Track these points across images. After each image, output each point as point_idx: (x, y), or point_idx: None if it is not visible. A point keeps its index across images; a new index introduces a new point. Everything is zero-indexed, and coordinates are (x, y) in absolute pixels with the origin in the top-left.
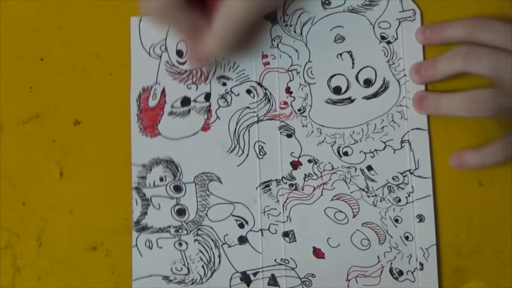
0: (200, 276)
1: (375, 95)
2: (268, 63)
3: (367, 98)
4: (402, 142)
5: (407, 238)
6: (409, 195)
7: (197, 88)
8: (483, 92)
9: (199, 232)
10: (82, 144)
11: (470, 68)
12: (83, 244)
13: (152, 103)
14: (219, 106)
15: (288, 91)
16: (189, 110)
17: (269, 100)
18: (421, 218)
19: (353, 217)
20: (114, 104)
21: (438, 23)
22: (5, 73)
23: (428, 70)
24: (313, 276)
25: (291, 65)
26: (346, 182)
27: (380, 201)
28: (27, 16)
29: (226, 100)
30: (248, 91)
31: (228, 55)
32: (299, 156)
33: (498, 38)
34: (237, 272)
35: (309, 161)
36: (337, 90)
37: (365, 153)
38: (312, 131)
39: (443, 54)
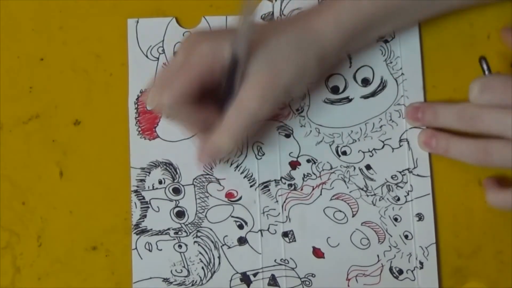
0: (200, 277)
1: (373, 94)
2: None
3: (365, 97)
4: (400, 140)
5: (406, 237)
6: (408, 194)
7: None
8: (495, 144)
9: (199, 234)
10: (82, 144)
11: (477, 130)
12: (83, 244)
13: None
14: None
15: None
16: None
17: None
18: (420, 216)
19: (353, 216)
20: (114, 104)
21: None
22: (5, 73)
23: (427, 117)
24: (313, 276)
25: None
26: (345, 181)
27: (379, 200)
28: (27, 16)
29: None
30: None
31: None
32: (298, 156)
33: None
34: (237, 273)
35: (308, 161)
36: (335, 89)
37: (363, 152)
38: (311, 131)
39: (445, 105)
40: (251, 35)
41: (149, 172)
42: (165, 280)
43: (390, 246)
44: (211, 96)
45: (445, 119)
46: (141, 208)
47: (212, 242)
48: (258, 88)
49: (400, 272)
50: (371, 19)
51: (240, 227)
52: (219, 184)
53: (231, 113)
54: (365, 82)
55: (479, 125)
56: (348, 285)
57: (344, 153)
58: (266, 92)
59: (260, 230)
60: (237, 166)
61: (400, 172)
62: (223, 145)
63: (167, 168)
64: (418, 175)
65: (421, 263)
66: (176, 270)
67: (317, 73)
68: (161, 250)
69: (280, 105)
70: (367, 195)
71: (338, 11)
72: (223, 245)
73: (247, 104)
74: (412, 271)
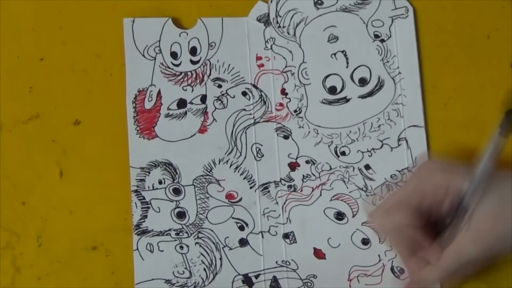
0: (202, 279)
1: (370, 94)
2: (262, 65)
3: (363, 97)
4: (399, 140)
5: None
6: None
7: (192, 90)
8: None
9: (200, 235)
10: (82, 144)
11: None
12: (83, 244)
13: (148, 105)
14: (215, 108)
15: (284, 92)
16: (186, 112)
17: (264, 102)
18: None
19: (353, 216)
20: (114, 104)
21: None
22: (5, 73)
23: None
24: (315, 277)
25: (286, 67)
26: (344, 181)
27: (379, 200)
28: (27, 16)
29: (222, 102)
30: (244, 93)
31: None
32: (297, 157)
33: None
34: (239, 274)
35: (307, 162)
36: (332, 90)
37: (362, 152)
38: (309, 131)
39: None
40: (489, 180)
41: (149, 172)
42: (167, 281)
43: (391, 246)
44: (430, 223)
45: None
46: (141, 208)
47: (214, 243)
48: (480, 234)
49: (402, 271)
50: None
51: (241, 228)
52: (219, 185)
53: (447, 254)
54: (363, 81)
55: None
56: (350, 286)
57: (343, 153)
58: (488, 239)
59: (261, 232)
60: (236, 167)
61: (399, 171)
62: (434, 279)
63: (167, 168)
64: None
65: None
66: (178, 272)
67: None
68: (162, 251)
69: (505, 253)
70: (367, 195)
71: None
72: (224, 246)
73: (464, 249)
74: None
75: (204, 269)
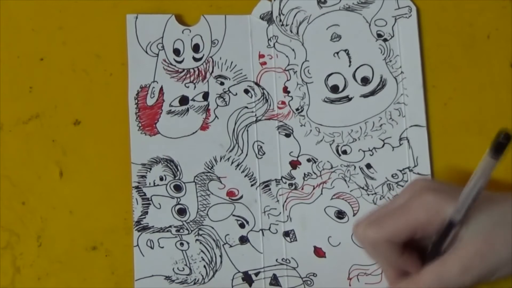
0: (202, 276)
1: (372, 93)
2: (265, 63)
3: (365, 96)
4: (400, 139)
5: None
6: None
7: (195, 87)
8: None
9: (200, 232)
10: (82, 144)
11: None
12: (83, 244)
13: (150, 101)
14: (217, 105)
15: (286, 90)
16: (188, 109)
17: (266, 100)
18: None
19: (353, 215)
20: (114, 104)
21: None
22: (5, 73)
23: None
24: (315, 275)
25: (288, 65)
26: (345, 180)
27: (380, 199)
28: (27, 16)
29: (224, 99)
30: (246, 91)
31: None
32: (298, 156)
33: None
34: (239, 272)
35: (308, 160)
36: (334, 88)
37: (364, 151)
38: (311, 130)
39: None
40: (474, 203)
41: (150, 169)
42: (167, 278)
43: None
44: (415, 245)
45: None
46: (142, 204)
47: (214, 240)
48: (466, 255)
49: None
50: None
51: (242, 226)
52: (220, 182)
53: (427, 271)
54: (365, 81)
55: None
56: (350, 285)
57: (345, 152)
58: (474, 261)
59: (261, 230)
60: (237, 165)
61: (400, 171)
62: None
63: (168, 164)
64: (418, 173)
65: None
66: (178, 268)
67: None
68: (162, 247)
69: (491, 279)
70: (368, 194)
71: None
72: (224, 243)
73: (449, 269)
74: None
75: (204, 266)
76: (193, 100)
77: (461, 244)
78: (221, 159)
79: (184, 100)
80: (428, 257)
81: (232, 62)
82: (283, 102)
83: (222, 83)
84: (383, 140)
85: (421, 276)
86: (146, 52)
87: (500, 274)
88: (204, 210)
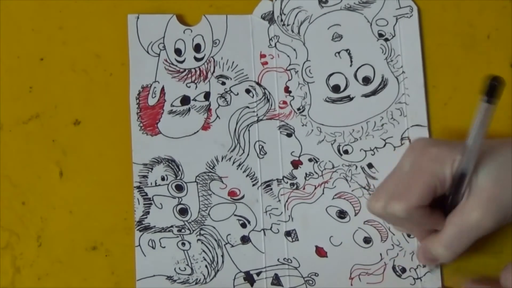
0: (204, 276)
1: (374, 92)
2: (266, 63)
3: (366, 96)
4: (402, 139)
5: (409, 235)
6: None
7: (196, 87)
8: None
9: (202, 232)
10: (82, 144)
11: None
12: (83, 244)
13: (151, 101)
14: (219, 105)
15: (287, 90)
16: (189, 109)
17: (268, 100)
18: None
19: (355, 215)
20: (114, 104)
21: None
22: (5, 73)
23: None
24: (316, 275)
25: (290, 65)
26: (347, 180)
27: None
28: (27, 16)
29: (225, 99)
30: (247, 91)
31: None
32: (300, 155)
33: None
34: (241, 272)
35: (310, 160)
36: (336, 88)
37: (365, 151)
38: (312, 130)
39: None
40: (480, 147)
41: (152, 168)
42: (169, 278)
43: (393, 245)
44: (439, 201)
45: None
46: (144, 204)
47: (216, 240)
48: (481, 200)
49: (403, 270)
50: None
51: (243, 225)
52: (222, 182)
53: (450, 223)
54: (366, 80)
55: None
56: (351, 284)
57: (346, 152)
58: (490, 204)
59: (263, 229)
60: (239, 165)
61: None
62: (438, 255)
63: (170, 164)
64: None
65: None
66: (179, 268)
67: None
68: (164, 247)
69: (504, 222)
70: (369, 194)
71: None
72: (226, 243)
73: (467, 215)
74: (415, 269)
75: (206, 266)
76: (194, 100)
77: (475, 192)
78: (222, 159)
79: (185, 100)
80: (448, 211)
81: (233, 62)
82: (284, 102)
83: (223, 83)
84: (384, 140)
85: (444, 231)
86: (148, 52)
87: None
88: (206, 210)
